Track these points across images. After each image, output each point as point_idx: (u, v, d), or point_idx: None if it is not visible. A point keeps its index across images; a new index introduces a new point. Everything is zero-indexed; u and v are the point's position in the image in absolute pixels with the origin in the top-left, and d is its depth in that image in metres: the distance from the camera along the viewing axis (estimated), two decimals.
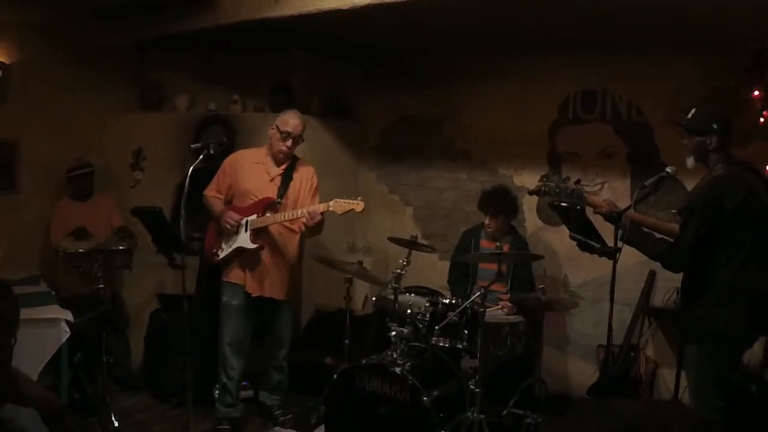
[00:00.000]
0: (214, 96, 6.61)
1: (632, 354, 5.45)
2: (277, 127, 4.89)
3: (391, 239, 5.27)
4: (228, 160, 5.04)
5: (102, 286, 5.15)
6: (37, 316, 4.28)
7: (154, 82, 6.75)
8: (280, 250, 4.93)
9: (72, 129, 6.20)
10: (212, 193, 5.03)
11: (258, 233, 4.82)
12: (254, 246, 4.80)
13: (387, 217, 7.02)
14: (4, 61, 5.76)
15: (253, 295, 4.91)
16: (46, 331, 4.33)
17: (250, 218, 4.82)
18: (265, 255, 4.89)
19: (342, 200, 4.55)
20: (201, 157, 4.55)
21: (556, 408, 5.07)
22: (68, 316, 4.52)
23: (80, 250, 5.27)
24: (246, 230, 4.81)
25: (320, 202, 4.71)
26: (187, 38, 5.89)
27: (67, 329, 4.47)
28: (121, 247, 5.47)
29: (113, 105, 6.61)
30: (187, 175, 4.43)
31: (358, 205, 4.51)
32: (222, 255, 4.92)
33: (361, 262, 5.13)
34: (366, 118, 7.15)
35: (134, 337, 6.11)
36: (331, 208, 4.56)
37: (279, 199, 4.86)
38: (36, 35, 5.91)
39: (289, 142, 4.86)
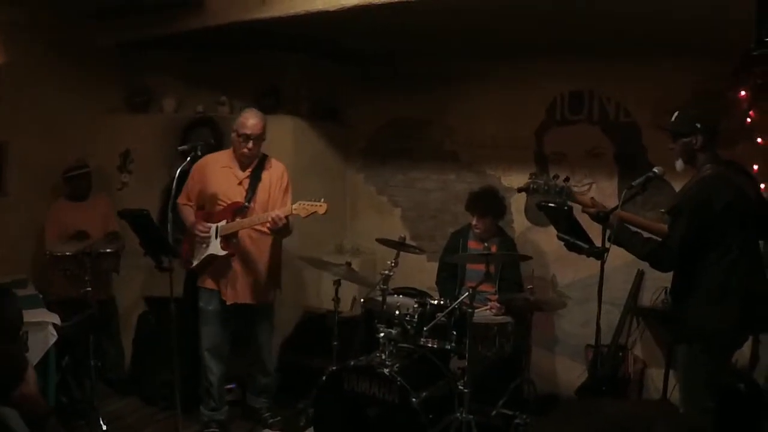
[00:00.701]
0: (202, 98, 6.59)
1: (621, 354, 5.47)
2: (236, 130, 4.81)
3: (380, 240, 5.26)
4: (196, 166, 4.88)
5: (90, 289, 5.11)
6: (25, 320, 4.25)
7: (141, 85, 6.71)
8: (253, 254, 4.91)
9: (60, 130, 6.14)
10: (183, 201, 4.97)
11: (228, 239, 4.79)
12: (224, 253, 4.77)
13: (375, 219, 7.02)
14: None
15: (228, 303, 4.89)
16: (34, 334, 4.29)
17: (219, 224, 4.78)
18: (238, 261, 4.86)
19: (306, 203, 4.52)
20: (188, 159, 4.54)
21: (544, 408, 5.08)
22: (55, 319, 4.50)
23: (67, 253, 5.24)
24: (216, 237, 4.77)
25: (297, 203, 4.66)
26: (174, 40, 5.87)
27: (54, 333, 4.45)
28: (108, 250, 5.44)
29: (101, 106, 6.57)
30: (174, 177, 4.42)
31: (320, 207, 4.49)
32: (195, 263, 4.89)
33: (349, 264, 5.11)
34: (354, 120, 7.14)
35: (122, 340, 6.08)
36: (294, 212, 4.54)
37: (247, 203, 4.82)
38: (24, 36, 5.86)
39: (250, 144, 4.78)
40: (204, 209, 4.94)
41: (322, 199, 4.52)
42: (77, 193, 5.86)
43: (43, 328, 4.40)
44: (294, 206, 4.54)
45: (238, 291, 4.87)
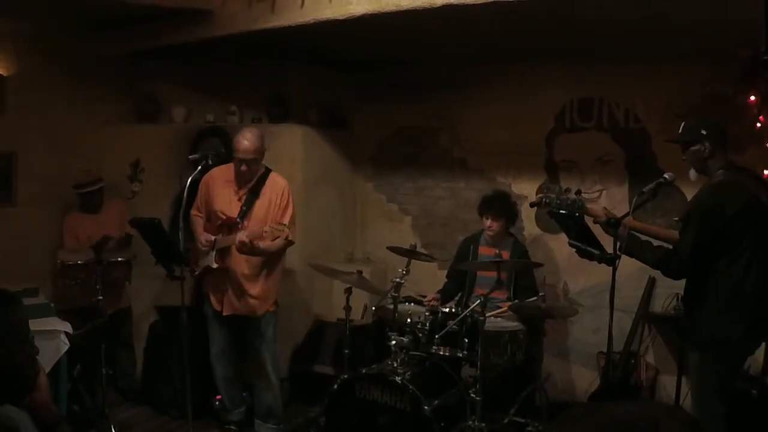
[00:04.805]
0: (212, 107, 6.61)
1: (633, 361, 5.45)
2: (234, 149, 4.83)
3: (390, 248, 5.26)
4: (204, 179, 4.95)
5: (101, 297, 5.12)
6: (36, 328, 4.25)
7: (150, 95, 6.74)
8: (244, 268, 4.88)
9: (69, 141, 6.19)
10: (195, 212, 5.06)
11: (222, 253, 4.85)
12: (216, 266, 4.82)
13: (385, 227, 7.01)
14: (0, 73, 5.76)
15: (224, 314, 4.95)
16: (45, 343, 4.29)
17: (217, 238, 4.84)
18: (232, 274, 4.88)
19: (275, 225, 4.61)
20: (199, 168, 4.53)
21: (557, 416, 5.05)
22: (67, 328, 4.51)
23: (78, 262, 5.26)
24: (213, 249, 4.82)
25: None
26: (183, 49, 5.89)
27: (66, 341, 4.46)
28: (119, 259, 5.46)
29: (110, 117, 6.62)
30: (185, 186, 4.43)
31: (282, 233, 4.59)
32: (197, 272, 4.99)
33: (360, 272, 5.11)
34: (363, 129, 7.14)
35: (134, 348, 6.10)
36: (265, 235, 4.61)
37: (239, 219, 4.83)
38: (32, 47, 5.91)
39: (243, 167, 4.78)
40: (210, 222, 4.98)
41: (285, 226, 4.60)
42: (89, 207, 5.87)
43: (54, 336, 4.41)
44: (266, 228, 4.60)
45: (231, 303, 4.92)
